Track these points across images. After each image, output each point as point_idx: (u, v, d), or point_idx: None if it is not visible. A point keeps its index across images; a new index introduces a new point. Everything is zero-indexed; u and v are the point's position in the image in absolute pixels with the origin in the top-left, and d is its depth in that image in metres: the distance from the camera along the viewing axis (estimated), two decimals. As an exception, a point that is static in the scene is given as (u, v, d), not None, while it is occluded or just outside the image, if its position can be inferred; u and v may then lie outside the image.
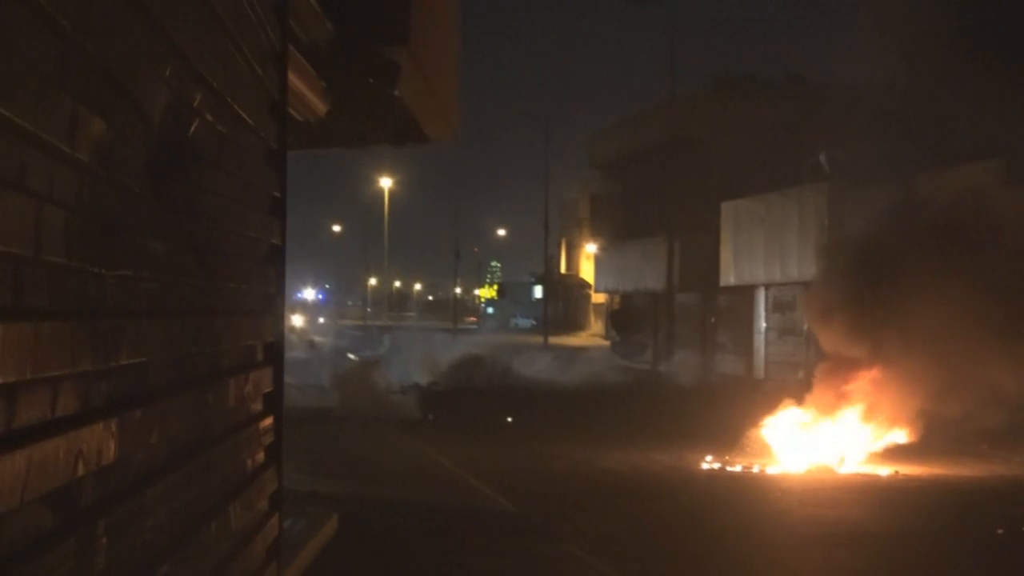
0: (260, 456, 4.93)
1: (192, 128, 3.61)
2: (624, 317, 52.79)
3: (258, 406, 4.87)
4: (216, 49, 4.07)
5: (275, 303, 5.20)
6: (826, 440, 18.80)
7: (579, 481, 16.60)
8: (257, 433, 4.84)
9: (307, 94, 10.58)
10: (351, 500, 13.66)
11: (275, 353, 5.13)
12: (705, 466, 18.29)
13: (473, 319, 50.49)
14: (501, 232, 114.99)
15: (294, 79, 9.94)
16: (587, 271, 67.99)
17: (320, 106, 11.09)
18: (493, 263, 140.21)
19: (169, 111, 3.31)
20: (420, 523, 12.97)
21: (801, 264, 34.93)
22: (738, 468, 18.14)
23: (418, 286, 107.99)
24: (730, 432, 19.31)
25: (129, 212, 2.96)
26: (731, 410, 21.06)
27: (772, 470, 18.06)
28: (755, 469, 18.09)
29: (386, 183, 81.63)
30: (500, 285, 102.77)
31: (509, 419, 24.55)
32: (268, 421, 5.04)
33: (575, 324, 73.34)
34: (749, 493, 15.91)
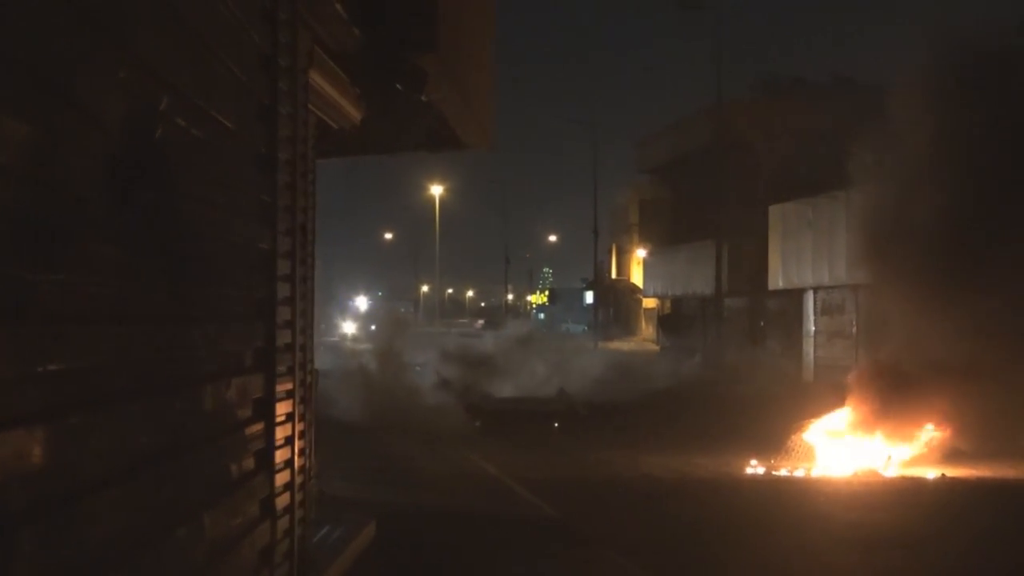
0: (249, 462, 4.90)
1: (156, 132, 3.58)
2: (673, 321, 52.58)
3: (246, 412, 4.83)
4: (185, 54, 4.03)
5: (269, 308, 5.16)
6: (872, 443, 18.61)
7: (621, 486, 16.55)
8: (244, 439, 4.81)
9: (341, 102, 10.59)
10: (391, 506, 13.65)
11: (268, 359, 5.09)
12: (749, 470, 18.14)
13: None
14: (552, 238, 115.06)
15: (327, 87, 9.97)
16: (638, 276, 67.73)
17: (355, 113, 11.10)
18: (545, 269, 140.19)
19: (125, 115, 3.27)
20: (459, 528, 12.95)
21: (850, 267, 34.58)
22: (783, 472, 17.97)
23: (470, 292, 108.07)
24: (776, 436, 19.12)
25: (74, 217, 2.92)
26: (778, 413, 20.84)
27: (817, 474, 17.88)
28: (800, 473, 17.91)
29: (437, 190, 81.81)
30: (551, 291, 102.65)
31: (556, 424, 24.48)
32: (258, 427, 5.01)
33: (626, 329, 73.13)
34: (792, 497, 15.75)
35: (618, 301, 75.37)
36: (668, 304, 57.69)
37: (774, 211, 41.17)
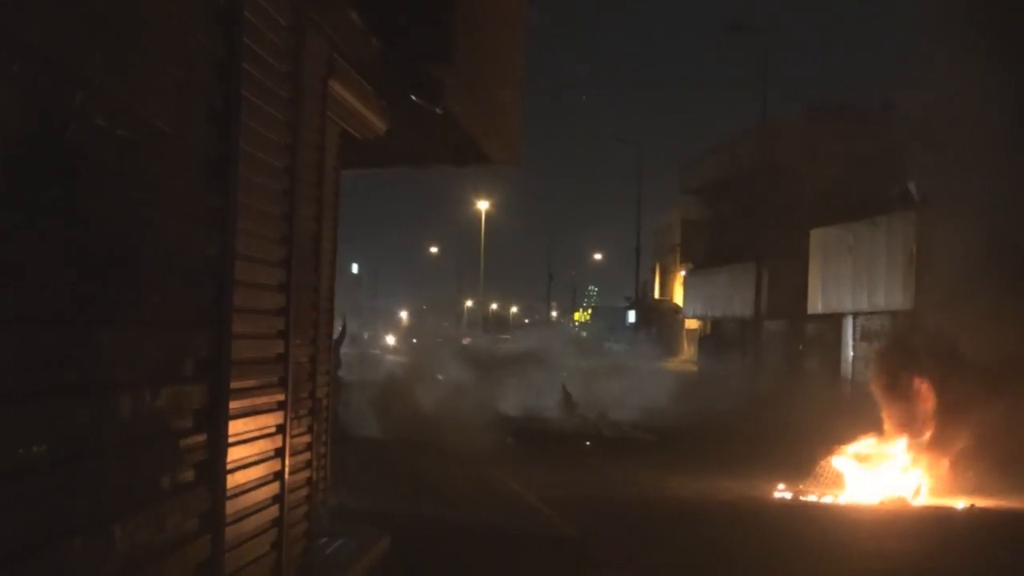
0: (187, 474, 4.74)
1: (67, 131, 3.43)
2: (712, 343, 52.30)
3: (184, 423, 4.67)
4: (109, 52, 3.88)
5: (217, 316, 4.99)
6: (901, 471, 18.28)
7: (645, 507, 16.30)
8: (178, 451, 4.65)
9: (365, 112, 10.49)
10: (410, 520, 13.50)
11: (214, 368, 4.93)
12: (777, 495, 17.84)
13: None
14: (598, 256, 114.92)
15: (349, 96, 9.87)
16: (681, 296, 67.53)
17: (379, 124, 11.00)
18: (590, 287, 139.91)
19: (23, 112, 3.12)
20: (475, 544, 12.78)
21: (889, 293, 34.21)
22: (811, 498, 17.66)
23: (514, 308, 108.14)
24: (806, 461, 18.81)
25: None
26: (810, 438, 20.50)
27: (845, 500, 17.56)
28: (828, 499, 17.60)
29: (483, 205, 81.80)
30: (594, 309, 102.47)
31: (587, 443, 24.30)
32: (199, 439, 4.84)
33: (668, 349, 72.80)
34: (818, 524, 15.45)
35: (661, 321, 75.06)
36: (709, 325, 57.43)
37: (815, 235, 40.87)
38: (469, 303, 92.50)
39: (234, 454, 5.99)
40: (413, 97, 9.42)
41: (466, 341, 43.66)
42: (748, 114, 43.76)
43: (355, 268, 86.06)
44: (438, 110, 9.56)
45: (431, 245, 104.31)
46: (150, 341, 4.38)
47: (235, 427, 5.91)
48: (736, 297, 47.76)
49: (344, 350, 22.88)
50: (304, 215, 7.91)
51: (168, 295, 4.50)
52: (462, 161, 13.25)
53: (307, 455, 8.55)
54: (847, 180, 42.39)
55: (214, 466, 5.00)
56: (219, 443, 4.99)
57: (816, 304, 40.57)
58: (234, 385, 5.67)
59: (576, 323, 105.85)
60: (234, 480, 6.03)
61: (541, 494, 16.80)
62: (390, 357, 42.85)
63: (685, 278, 63.38)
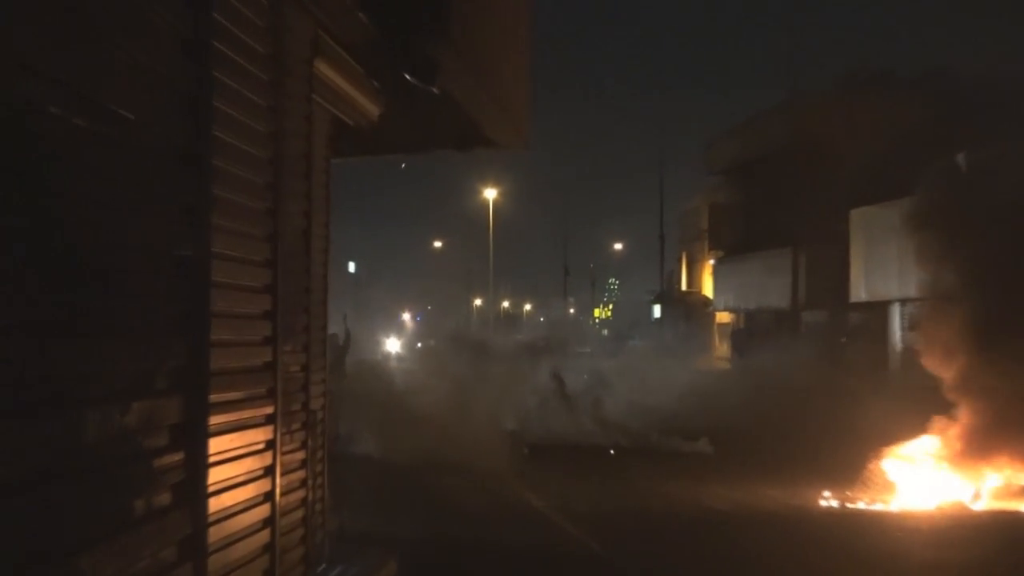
0: (162, 497, 4.71)
1: (15, 121, 3.39)
2: (746, 337, 52.16)
3: (158, 440, 4.64)
4: (59, 31, 3.84)
5: (195, 322, 4.97)
6: (960, 473, 18.20)
7: (677, 520, 16.27)
8: (152, 471, 4.62)
9: (356, 96, 10.47)
10: (419, 542, 13.52)
11: (192, 379, 4.90)
12: (822, 503, 17.79)
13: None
14: (618, 246, 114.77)
15: (338, 79, 9.85)
16: (710, 288, 67.37)
17: (372, 109, 10.98)
18: (611, 281, 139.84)
19: None
20: (490, 567, 12.76)
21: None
22: (859, 505, 17.62)
23: (528, 306, 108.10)
24: (854, 465, 18.76)
25: None
26: (857, 440, 20.45)
27: (897, 507, 17.51)
28: (878, 507, 17.54)
29: (491, 194, 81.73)
30: (615, 304, 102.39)
31: (612, 451, 24.27)
32: (175, 458, 4.82)
33: (698, 345, 72.66)
34: (867, 533, 15.41)
35: (689, 315, 74.99)
36: (742, 319, 57.27)
37: (856, 216, 40.73)
38: (478, 301, 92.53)
39: (217, 474, 5.97)
40: (407, 77, 9.38)
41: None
42: (779, 90, 43.73)
43: (352, 267, 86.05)
44: (435, 90, 9.53)
45: (436, 240, 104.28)
46: (117, 352, 4.35)
47: (217, 444, 5.90)
48: (771, 286, 47.62)
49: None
50: (291, 210, 7.89)
51: (137, 301, 4.48)
52: (464, 146, 13.23)
53: (302, 473, 8.52)
54: (889, 154, 42.24)
55: (194, 487, 4.98)
56: (198, 462, 4.96)
57: (859, 292, 40.42)
58: (215, 398, 5.66)
59: (596, 319, 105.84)
60: (218, 503, 6.01)
61: (563, 509, 16.79)
62: (393, 364, 42.87)
63: (714, 267, 63.19)
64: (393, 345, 57.58)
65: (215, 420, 5.78)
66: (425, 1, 9.05)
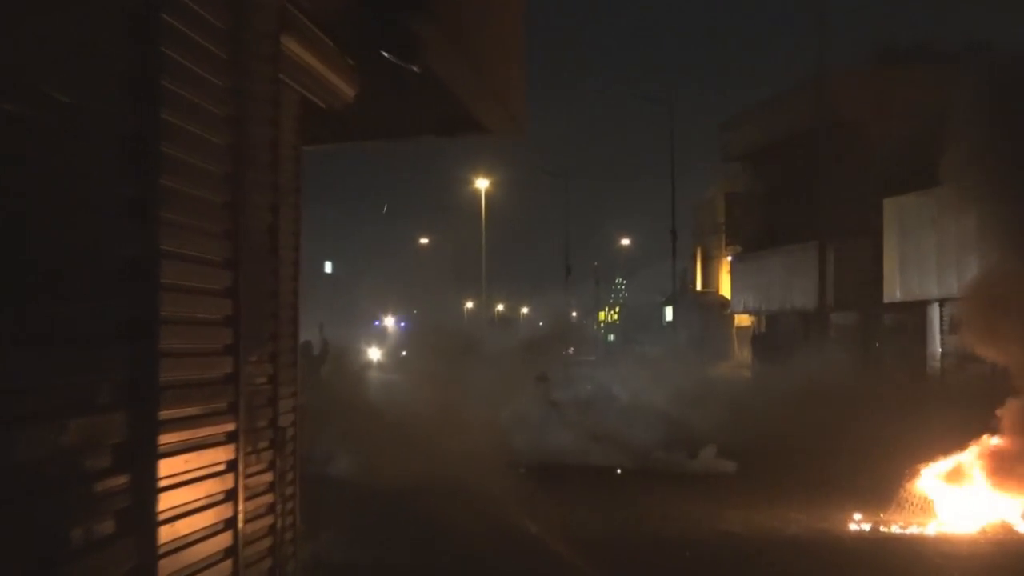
0: (105, 525, 4.68)
1: None
2: (768, 342, 52.08)
3: (100, 462, 4.61)
4: None
5: (141, 329, 4.93)
6: (1007, 491, 18.20)
7: (692, 547, 16.27)
8: (93, 497, 4.59)
9: (329, 76, 10.46)
10: (405, 572, 13.51)
11: (137, 394, 4.87)
12: (853, 527, 17.80)
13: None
14: (625, 242, 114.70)
15: (308, 57, 9.84)
16: (728, 287, 67.30)
17: (346, 90, 10.97)
18: (617, 280, 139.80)
19: None
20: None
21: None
22: (894, 529, 17.62)
23: (525, 309, 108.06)
24: (888, 484, 18.77)
25: None
26: (892, 456, 20.45)
27: (935, 531, 17.51)
28: (914, 530, 17.55)
29: (483, 184, 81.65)
30: (622, 307, 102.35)
31: (618, 471, 24.28)
32: (119, 481, 4.79)
33: (716, 351, 72.53)
34: (902, 560, 15.43)
35: (705, 318, 74.99)
36: (763, 321, 57.21)
37: (890, 206, 40.69)
38: (470, 304, 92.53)
39: (170, 499, 5.95)
40: (384, 54, 9.36)
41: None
42: (808, 63, 43.66)
43: (328, 267, 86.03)
44: (415, 69, 9.52)
45: (423, 236, 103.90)
46: (52, 363, 4.33)
47: (170, 465, 5.87)
48: (795, 285, 47.58)
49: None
50: (255, 204, 7.87)
51: (74, 306, 4.45)
52: (452, 132, 13.24)
53: (269, 497, 8.51)
54: (926, 137, 42.22)
55: (141, 514, 4.95)
56: (146, 485, 4.93)
57: (894, 290, 40.38)
58: (166, 414, 5.63)
59: (602, 323, 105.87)
60: (171, 531, 5.99)
61: (566, 535, 16.77)
62: (375, 374, 42.83)
63: (732, 264, 63.09)
64: (375, 353, 57.58)
65: (166, 439, 5.76)
66: (404, -31, 9.03)
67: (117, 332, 4.76)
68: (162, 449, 5.63)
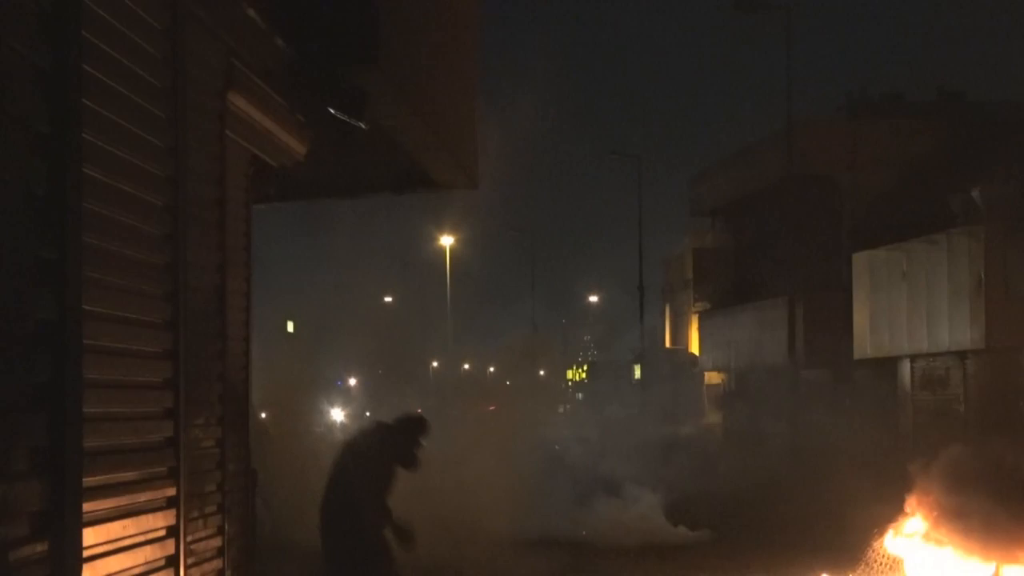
0: None
1: None
2: (738, 401, 52.04)
3: (16, 530, 4.59)
4: None
5: (55, 394, 4.91)
6: (976, 552, 18.21)
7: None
8: (6, 565, 4.58)
9: (278, 133, 10.48)
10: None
11: (56, 460, 4.86)
12: (820, 586, 17.83)
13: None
14: (593, 299, 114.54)
15: (257, 114, 9.86)
16: (698, 344, 67.32)
17: (297, 147, 10.99)
18: (586, 337, 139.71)
19: None
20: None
21: (954, 329, 34.23)
22: (863, 589, 17.65)
23: (491, 369, 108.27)
24: (857, 542, 18.79)
25: None
26: (863, 514, 20.48)
27: (906, 592, 17.54)
28: (884, 590, 17.58)
29: (447, 241, 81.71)
30: (591, 365, 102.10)
31: (584, 532, 24.29)
32: (38, 548, 4.75)
33: (685, 410, 72.45)
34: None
35: (675, 376, 75.04)
36: (733, 378, 57.21)
37: (859, 260, 40.86)
38: (435, 364, 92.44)
39: (106, 566, 5.94)
40: (331, 110, 9.44)
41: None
42: (771, 120, 44.03)
43: (291, 327, 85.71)
44: (363, 125, 9.59)
45: (387, 295, 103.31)
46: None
47: (101, 532, 5.86)
48: (764, 342, 47.59)
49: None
50: (200, 264, 7.90)
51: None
52: (405, 188, 13.30)
53: (217, 563, 8.49)
54: (897, 190, 42.50)
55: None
56: (67, 553, 4.90)
57: (864, 347, 40.48)
58: (96, 480, 5.62)
59: (569, 382, 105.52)
60: (105, 602, 5.99)
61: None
62: (339, 435, 42.63)
63: (700, 320, 63.16)
64: (338, 414, 57.33)
65: (98, 505, 5.75)
66: (350, 25, 9.09)
67: (28, 398, 4.74)
68: (93, 516, 5.61)
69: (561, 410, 56.09)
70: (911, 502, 18.41)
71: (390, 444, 12.13)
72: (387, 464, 12.10)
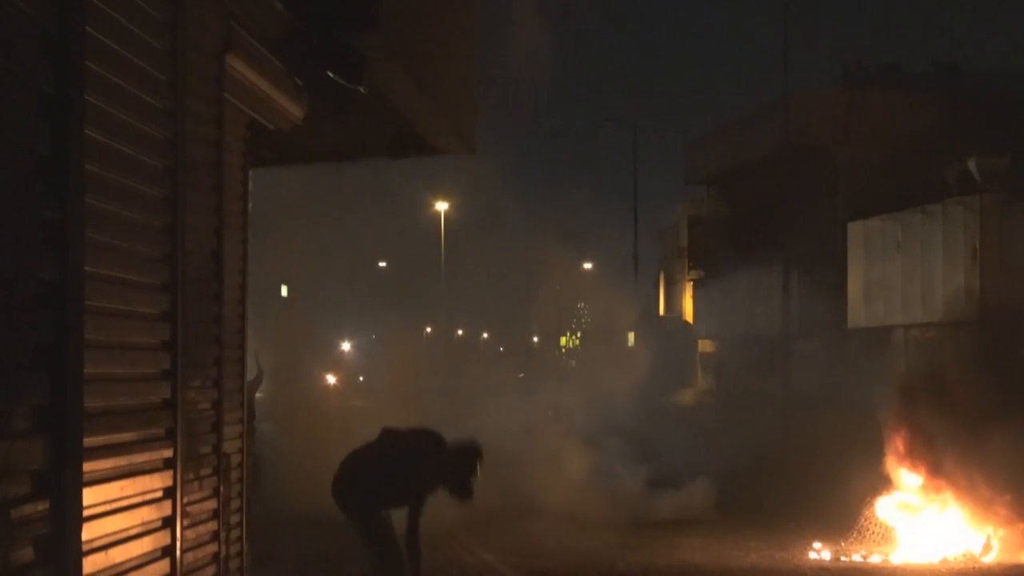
0: (22, 553, 4.66)
1: None
2: (731, 369, 52.11)
3: (17, 488, 4.60)
4: None
5: (59, 355, 4.93)
6: (968, 520, 18.28)
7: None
8: (8, 523, 4.60)
9: (275, 96, 10.46)
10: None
11: (57, 419, 4.87)
12: (812, 555, 17.88)
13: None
14: (587, 266, 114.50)
15: (255, 78, 9.85)
16: (691, 312, 67.31)
17: (294, 110, 10.97)
18: (579, 305, 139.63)
19: None
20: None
21: (949, 300, 34.22)
22: (854, 558, 17.72)
23: (485, 335, 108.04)
24: (848, 511, 18.86)
25: None
26: (856, 484, 20.54)
27: (897, 560, 17.62)
28: (876, 559, 17.65)
29: (442, 207, 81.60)
30: (584, 332, 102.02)
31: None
32: (39, 507, 4.78)
33: (679, 378, 72.40)
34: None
35: (668, 343, 75.00)
36: (727, 347, 57.23)
37: (854, 229, 40.82)
38: (429, 329, 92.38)
39: (99, 527, 5.96)
40: (330, 74, 9.42)
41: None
42: (774, 89, 44.11)
43: (284, 291, 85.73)
44: (362, 89, 9.57)
45: (381, 260, 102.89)
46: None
47: (100, 493, 5.88)
48: (759, 310, 47.64)
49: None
50: (197, 227, 7.89)
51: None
52: (401, 153, 13.28)
53: (212, 525, 8.51)
54: (893, 161, 42.46)
55: (62, 541, 4.95)
56: (67, 512, 4.93)
57: (858, 316, 40.47)
58: (95, 440, 5.64)
59: (563, 349, 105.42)
60: (106, 558, 6.01)
61: (518, 564, 16.79)
62: (333, 400, 42.66)
63: (695, 289, 63.18)
64: (332, 379, 57.38)
65: (96, 465, 5.76)
66: (349, -12, 9.08)
67: (31, 358, 4.75)
68: (92, 476, 5.63)
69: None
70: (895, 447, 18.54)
71: (447, 466, 11.91)
72: (435, 481, 11.91)
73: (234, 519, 9.42)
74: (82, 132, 5.07)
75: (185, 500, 7.39)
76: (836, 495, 20.16)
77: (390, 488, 11.84)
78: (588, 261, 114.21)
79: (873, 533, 18.33)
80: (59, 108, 4.86)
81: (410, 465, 11.85)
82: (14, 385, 4.59)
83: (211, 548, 8.42)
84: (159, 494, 6.95)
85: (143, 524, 6.68)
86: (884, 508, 18.51)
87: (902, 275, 37.52)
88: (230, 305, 9.27)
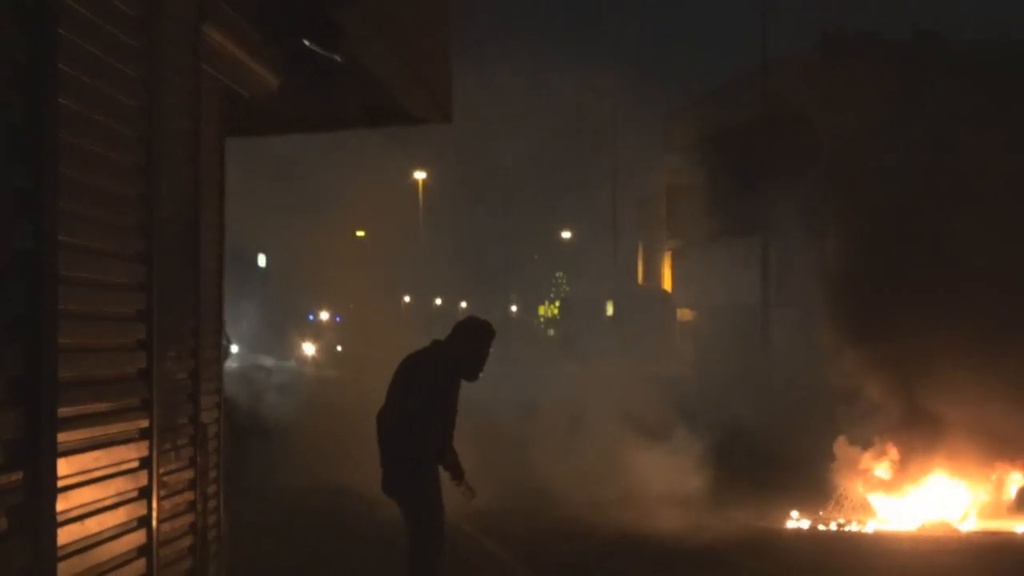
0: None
1: None
2: (710, 339, 52.24)
3: None
4: None
5: (32, 325, 4.92)
6: (944, 488, 18.37)
7: (627, 547, 16.26)
8: None
9: (251, 65, 10.43)
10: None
11: (30, 389, 4.88)
12: (791, 524, 17.95)
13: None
14: (566, 235, 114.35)
15: (231, 47, 9.82)
16: (670, 281, 67.47)
17: (270, 78, 10.94)
18: (558, 274, 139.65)
19: None
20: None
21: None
22: (832, 526, 17.79)
23: (464, 304, 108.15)
24: (825, 480, 18.95)
25: None
26: (831, 452, 20.63)
27: (875, 528, 17.68)
28: (853, 527, 17.73)
29: (420, 176, 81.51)
30: (563, 301, 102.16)
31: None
32: (13, 478, 4.78)
33: (656, 347, 72.43)
34: (843, 559, 15.57)
35: (646, 312, 75.07)
36: (706, 316, 57.38)
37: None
38: (407, 298, 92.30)
39: (78, 496, 5.97)
40: (306, 43, 9.42)
41: None
42: (754, 55, 44.15)
43: (262, 261, 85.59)
44: (337, 58, 9.57)
45: (359, 229, 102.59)
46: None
47: (74, 463, 5.89)
48: (738, 280, 47.71)
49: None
50: (173, 196, 7.88)
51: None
52: (378, 121, 13.29)
53: (189, 495, 8.53)
54: (874, 128, 42.46)
55: (36, 512, 4.95)
56: (41, 482, 4.93)
57: (836, 285, 40.53)
58: (69, 411, 5.63)
59: (542, 318, 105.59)
60: (82, 528, 6.02)
61: (494, 530, 16.78)
62: (309, 371, 42.62)
63: (674, 258, 63.28)
64: (309, 349, 57.37)
65: (71, 436, 5.76)
66: (326, -43, 9.07)
67: (9, 328, 4.74)
68: (67, 446, 5.64)
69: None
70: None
71: (452, 356, 10.70)
72: (450, 378, 10.70)
73: (211, 489, 9.44)
74: (56, 101, 5.07)
75: (161, 470, 7.40)
76: (814, 465, 20.25)
77: (423, 422, 10.56)
78: (568, 231, 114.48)
79: (851, 501, 18.41)
80: (32, 77, 4.85)
81: (422, 378, 10.74)
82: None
83: (188, 518, 8.44)
84: (135, 464, 6.95)
85: (119, 495, 6.69)
86: (865, 476, 18.59)
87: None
88: (207, 274, 9.29)
